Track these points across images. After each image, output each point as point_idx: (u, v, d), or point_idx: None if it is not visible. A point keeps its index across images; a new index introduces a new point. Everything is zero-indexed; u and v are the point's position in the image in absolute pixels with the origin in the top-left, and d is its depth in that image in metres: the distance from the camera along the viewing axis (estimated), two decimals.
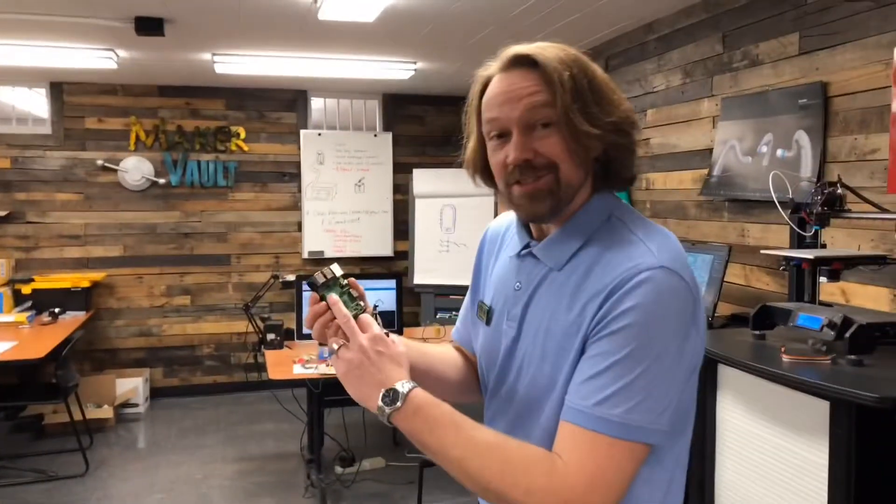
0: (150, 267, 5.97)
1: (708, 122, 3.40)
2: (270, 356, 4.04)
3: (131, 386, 5.61)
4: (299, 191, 6.23)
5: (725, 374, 2.25)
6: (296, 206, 6.24)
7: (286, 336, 4.28)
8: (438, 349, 1.32)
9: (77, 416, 4.71)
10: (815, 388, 1.82)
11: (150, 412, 5.71)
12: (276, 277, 4.73)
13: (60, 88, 5.71)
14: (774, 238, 2.96)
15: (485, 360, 1.23)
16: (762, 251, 2.47)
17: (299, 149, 6.20)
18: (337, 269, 1.16)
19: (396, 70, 5.07)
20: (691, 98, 3.51)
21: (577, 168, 1.07)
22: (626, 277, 1.00)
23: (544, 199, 1.07)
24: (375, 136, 6.36)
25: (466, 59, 4.86)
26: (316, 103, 6.34)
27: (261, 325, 4.37)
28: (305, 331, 4.17)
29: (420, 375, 1.14)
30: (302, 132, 6.19)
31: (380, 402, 1.04)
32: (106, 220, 5.85)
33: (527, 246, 1.17)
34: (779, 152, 2.92)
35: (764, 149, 3.01)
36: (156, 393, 5.98)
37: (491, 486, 0.99)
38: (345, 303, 1.13)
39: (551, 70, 1.06)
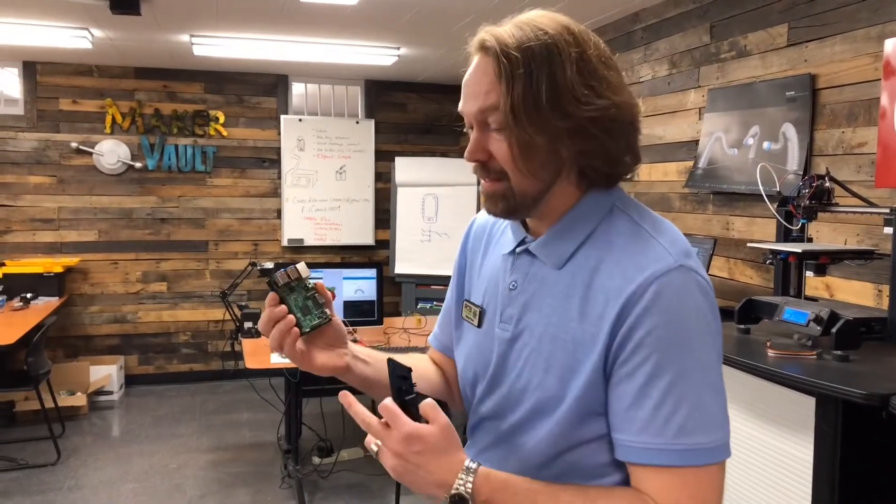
0: (125, 252, 5.85)
1: (694, 113, 3.36)
2: (248, 345, 3.97)
3: (105, 373, 5.51)
4: (279, 177, 6.14)
5: None
6: (275, 192, 6.15)
7: None
8: (410, 362, 1.07)
9: (49, 404, 4.62)
10: (800, 383, 1.79)
11: (125, 400, 5.61)
12: (253, 265, 4.64)
13: (34, 68, 5.57)
14: (759, 231, 2.94)
15: (473, 365, 1.12)
16: (749, 244, 2.45)
17: (279, 134, 6.10)
18: (303, 270, 1.04)
19: (379, 55, 4.99)
20: (678, 89, 3.47)
21: (529, 177, 0.97)
22: (645, 284, 0.91)
23: (497, 201, 1.00)
24: (357, 122, 6.28)
25: (450, 46, 4.79)
26: (297, 88, 6.24)
27: (238, 313, 4.30)
28: None
29: (382, 390, 1.05)
30: (282, 118, 6.09)
31: (441, 500, 0.92)
32: (80, 205, 5.73)
33: (522, 242, 1.07)
34: (765, 145, 2.89)
35: (750, 141, 2.98)
36: (131, 381, 5.88)
37: None
38: (309, 308, 1.02)
39: (503, 66, 0.94)
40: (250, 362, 3.63)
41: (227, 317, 5.01)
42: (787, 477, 1.89)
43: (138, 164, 5.79)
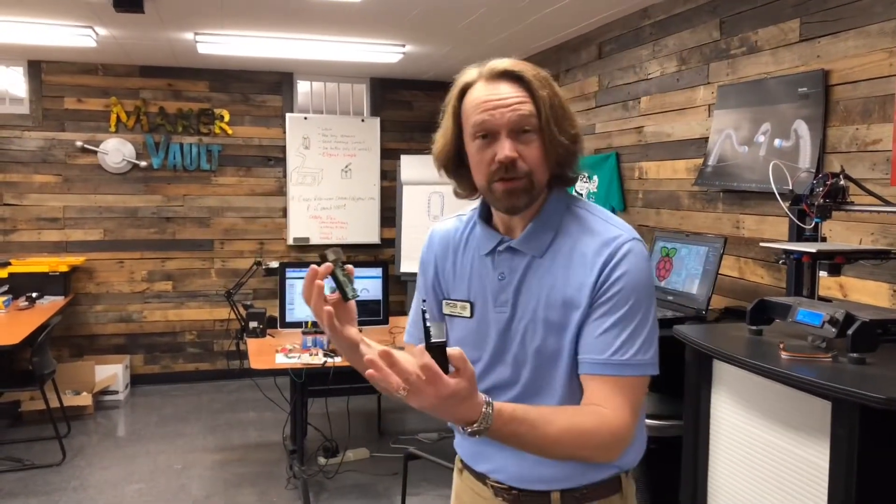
0: (130, 251, 5.84)
1: (703, 110, 3.32)
2: (253, 345, 3.95)
3: (111, 373, 5.50)
4: (284, 176, 6.11)
5: (721, 370, 2.18)
6: (281, 191, 6.13)
7: (269, 324, 4.18)
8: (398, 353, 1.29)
9: (55, 404, 4.61)
10: (816, 386, 1.74)
11: (130, 399, 5.60)
12: (258, 264, 4.62)
13: (39, 67, 5.55)
14: (770, 230, 2.90)
15: (470, 346, 1.34)
16: (762, 244, 2.40)
17: (285, 133, 6.07)
18: (340, 253, 1.27)
19: (384, 53, 4.95)
20: (686, 85, 3.43)
21: (546, 170, 1.27)
22: (614, 250, 1.25)
23: (521, 195, 1.26)
24: (363, 120, 6.24)
25: (456, 43, 4.75)
26: (302, 86, 6.21)
27: (243, 312, 4.27)
28: (289, 319, 4.10)
29: None
30: (287, 116, 6.06)
31: (467, 432, 1.12)
32: (85, 203, 5.72)
33: (501, 242, 1.35)
34: (776, 142, 2.84)
35: (761, 138, 2.93)
36: (136, 380, 5.87)
37: (574, 458, 1.26)
38: (344, 283, 1.25)
39: (536, 86, 1.25)
40: (255, 362, 3.60)
41: (232, 316, 5.00)
42: (802, 483, 1.84)
43: (143, 163, 5.77)
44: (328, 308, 1.23)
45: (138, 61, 5.62)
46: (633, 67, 3.86)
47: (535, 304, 1.29)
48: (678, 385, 2.72)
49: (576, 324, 1.26)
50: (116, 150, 5.72)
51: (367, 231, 6.31)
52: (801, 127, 2.72)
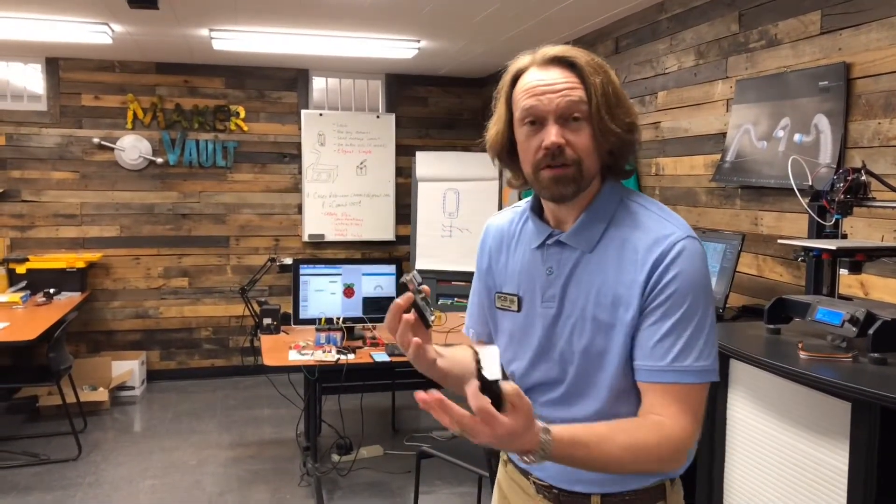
0: (147, 248, 5.87)
1: (721, 104, 3.26)
2: (266, 341, 3.94)
3: (127, 368, 5.53)
4: (300, 172, 6.11)
5: (738, 369, 2.14)
6: (296, 187, 6.12)
7: (283, 321, 4.18)
8: (461, 353, 1.37)
9: (71, 399, 4.64)
10: (835, 387, 1.70)
11: (147, 395, 5.63)
12: (272, 261, 4.62)
13: (56, 64, 5.58)
14: (789, 227, 2.84)
15: (517, 341, 1.35)
16: (780, 241, 2.35)
17: (300, 129, 6.07)
18: (417, 276, 1.25)
19: (399, 48, 4.92)
20: (704, 80, 3.37)
21: (597, 159, 1.24)
22: (666, 249, 1.20)
23: (569, 183, 1.22)
24: (378, 117, 6.22)
25: (471, 38, 4.71)
26: (317, 83, 6.20)
27: (257, 308, 4.27)
28: (303, 316, 4.09)
29: (455, 381, 1.29)
30: (303, 112, 6.06)
31: (524, 461, 1.09)
32: (102, 200, 5.75)
33: (550, 235, 1.31)
34: (796, 137, 2.79)
35: (780, 133, 2.87)
36: (152, 376, 5.90)
37: (638, 472, 1.24)
38: (424, 309, 1.22)
39: (588, 72, 1.21)
40: (269, 359, 3.59)
41: (247, 313, 5.01)
42: (821, 486, 1.80)
43: (159, 160, 5.79)
44: (416, 340, 1.21)
45: (154, 58, 5.64)
46: (649, 62, 3.81)
47: (583, 302, 1.26)
48: None
49: (625, 324, 1.22)
50: (133, 147, 5.74)
51: (382, 228, 6.30)
52: (822, 121, 2.67)
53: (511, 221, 1.42)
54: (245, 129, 5.97)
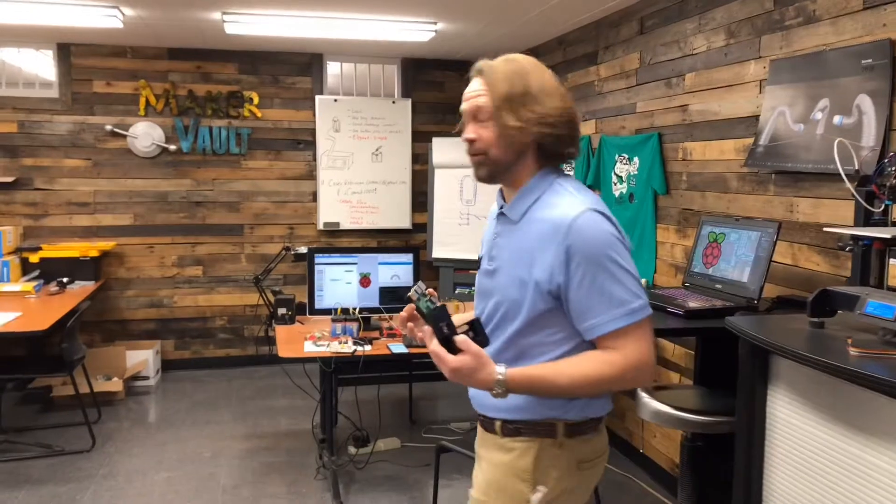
0: (161, 236, 5.80)
1: (754, 86, 3.11)
2: (281, 332, 3.86)
3: (142, 358, 5.48)
4: (314, 159, 6.01)
5: (779, 365, 2.01)
6: (311, 175, 6.03)
7: (298, 311, 4.09)
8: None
9: (85, 389, 4.59)
10: (888, 386, 1.57)
11: (161, 385, 5.57)
12: (287, 249, 4.52)
13: (68, 50, 5.50)
14: (828, 214, 2.70)
15: (478, 292, 1.73)
16: (826, 229, 2.21)
17: (314, 115, 5.96)
18: (421, 286, 1.52)
19: (415, 31, 4.79)
20: (735, 60, 3.22)
21: (504, 150, 1.55)
22: (568, 222, 1.47)
23: (480, 167, 1.59)
24: (394, 102, 6.10)
25: (489, 20, 4.57)
26: (332, 68, 6.08)
27: (271, 298, 4.18)
28: (318, 306, 4.00)
29: None
30: (317, 98, 5.95)
31: (492, 395, 1.49)
32: (115, 188, 5.68)
33: (501, 209, 1.67)
34: (836, 119, 2.64)
35: (819, 115, 2.73)
36: (167, 365, 5.85)
37: (603, 392, 1.56)
38: (427, 307, 1.49)
39: (493, 80, 1.53)
40: (283, 350, 3.51)
41: (262, 302, 4.92)
42: (870, 491, 1.68)
43: (172, 147, 5.71)
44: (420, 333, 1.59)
45: (167, 43, 5.54)
46: (676, 43, 3.66)
47: (511, 260, 1.59)
48: (725, 378, 2.55)
49: (535, 281, 1.52)
50: (146, 134, 5.66)
51: (399, 216, 6.19)
52: (865, 102, 2.52)
53: (497, 197, 1.74)
54: (259, 115, 5.87)
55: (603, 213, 1.50)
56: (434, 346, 1.45)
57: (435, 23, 4.66)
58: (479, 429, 1.72)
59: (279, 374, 5.56)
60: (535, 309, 1.53)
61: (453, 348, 1.44)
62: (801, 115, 2.81)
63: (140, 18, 4.58)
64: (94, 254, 5.33)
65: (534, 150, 1.57)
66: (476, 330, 1.52)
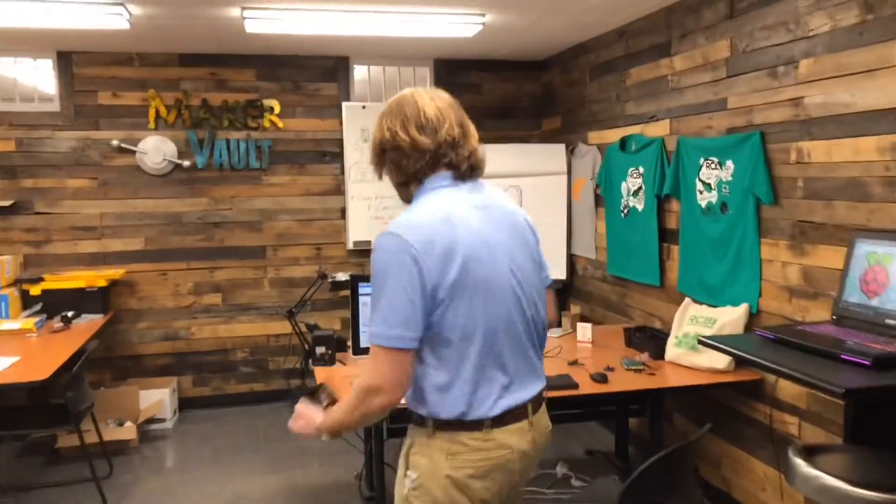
0: (175, 262, 5.24)
1: None
2: (321, 375, 3.28)
3: (157, 398, 4.92)
4: (342, 172, 5.45)
5: None
6: (338, 189, 5.47)
7: (338, 347, 3.52)
8: None
9: (94, 439, 4.04)
10: None
11: (179, 427, 5.00)
12: (323, 277, 3.96)
13: (69, 59, 4.98)
14: None
15: None
16: None
17: (341, 124, 5.41)
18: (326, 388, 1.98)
19: (459, 25, 4.24)
20: (875, 41, 2.64)
21: (394, 184, 1.95)
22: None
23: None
24: None
25: (544, 10, 4.02)
26: (359, 72, 5.54)
27: (304, 330, 3.61)
28: (364, 344, 3.43)
29: None
30: (344, 105, 5.40)
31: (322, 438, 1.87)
32: (124, 210, 5.14)
33: None
34: None
35: None
36: (185, 404, 5.28)
37: (363, 417, 1.73)
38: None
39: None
40: None
41: (291, 331, 4.37)
42: None
43: (186, 163, 5.17)
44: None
45: (177, 48, 5.00)
46: (784, 24, 3.08)
47: None
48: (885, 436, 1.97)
49: None
50: (156, 149, 5.12)
51: None
52: None
53: None
54: (280, 125, 5.32)
55: (398, 235, 1.67)
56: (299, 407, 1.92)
57: (483, 14, 4.10)
58: None
59: None
60: None
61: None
62: None
63: (148, 19, 4.05)
64: (102, 283, 4.78)
65: (410, 177, 1.87)
66: (316, 392, 1.97)
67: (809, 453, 2.25)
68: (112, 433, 4.49)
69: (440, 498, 1.74)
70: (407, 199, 1.85)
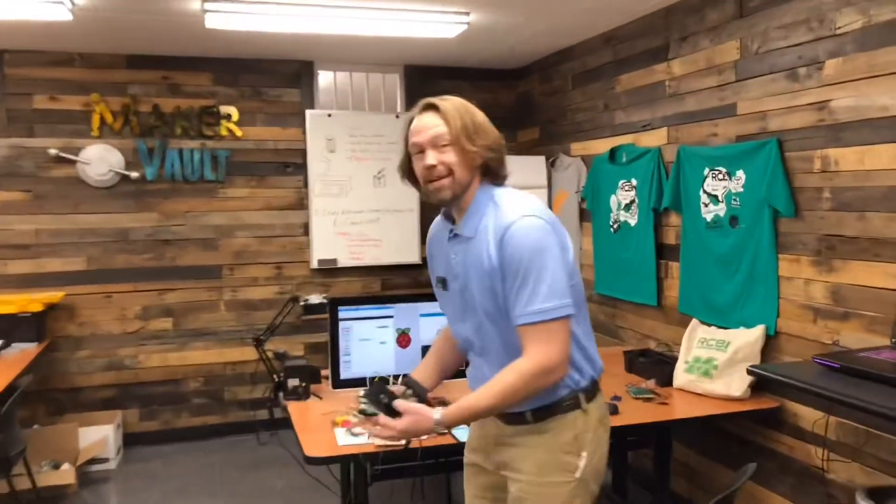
0: (120, 283, 4.76)
1: None
2: (295, 412, 2.88)
3: (99, 436, 4.41)
4: (305, 185, 5.06)
5: None
6: (301, 204, 5.07)
7: (312, 379, 3.12)
8: (436, 349, 2.16)
9: (26, 485, 3.53)
10: None
11: (124, 468, 4.49)
12: (295, 300, 3.56)
13: (1, 59, 4.48)
14: None
15: (450, 312, 2.00)
16: None
17: (304, 134, 5.03)
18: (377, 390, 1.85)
19: (441, 25, 3.93)
20: None
21: (466, 171, 1.82)
22: (505, 230, 1.75)
23: (444, 189, 1.82)
24: (397, 117, 5.20)
25: (533, 11, 3.74)
26: (323, 78, 5.18)
27: (277, 364, 3.21)
28: (344, 375, 3.03)
29: (441, 375, 2.10)
30: (308, 113, 5.02)
31: (441, 433, 2.01)
32: (63, 226, 4.64)
33: (451, 230, 1.91)
34: None
35: None
36: (130, 440, 4.78)
37: (522, 399, 1.76)
38: (366, 405, 2.11)
39: (450, 113, 1.80)
40: (310, 446, 2.52)
41: (252, 359, 3.94)
42: None
43: (134, 174, 4.70)
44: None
45: (125, 48, 4.56)
46: (805, 22, 2.86)
47: (474, 274, 1.82)
48: None
49: (499, 287, 1.78)
50: (101, 159, 4.65)
51: (405, 249, 5.26)
52: None
53: (440, 223, 2.02)
54: (238, 134, 4.91)
55: (537, 216, 1.75)
56: (381, 420, 1.79)
57: (468, 13, 3.80)
58: (497, 425, 1.93)
59: (271, 443, 4.56)
60: (506, 310, 1.79)
61: (395, 412, 1.78)
62: None
63: (94, 11, 3.61)
64: (37, 308, 4.27)
65: (479, 173, 1.85)
66: (410, 384, 1.96)
67: (875, 496, 1.97)
68: (47, 478, 3.97)
69: (601, 469, 1.88)
70: (458, 195, 1.84)
